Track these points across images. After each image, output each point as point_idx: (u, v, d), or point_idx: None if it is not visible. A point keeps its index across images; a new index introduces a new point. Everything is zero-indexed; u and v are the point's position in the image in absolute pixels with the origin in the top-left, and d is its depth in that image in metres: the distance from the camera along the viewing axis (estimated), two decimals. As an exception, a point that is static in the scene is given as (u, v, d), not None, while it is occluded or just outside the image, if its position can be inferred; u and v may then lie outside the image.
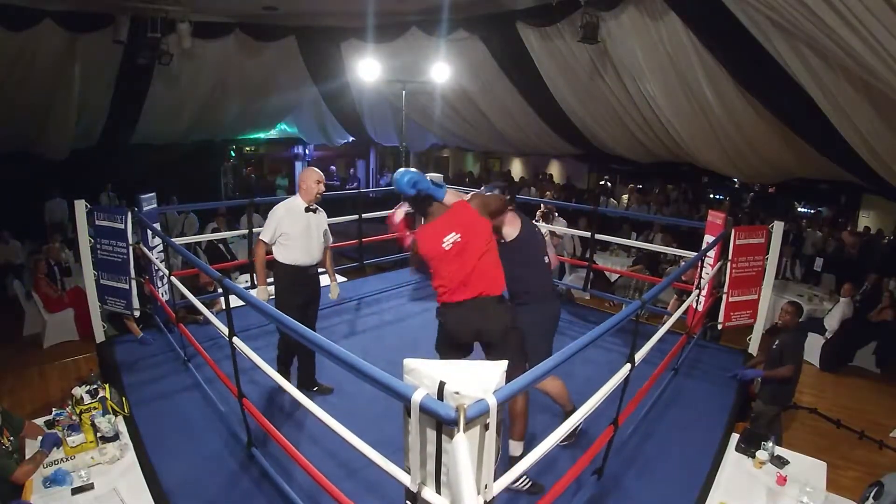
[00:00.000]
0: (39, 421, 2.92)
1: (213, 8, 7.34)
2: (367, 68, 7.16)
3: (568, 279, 7.20)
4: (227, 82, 9.27)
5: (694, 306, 3.88)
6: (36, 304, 6.09)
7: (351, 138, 13.02)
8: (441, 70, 7.22)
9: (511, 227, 2.75)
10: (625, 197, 11.45)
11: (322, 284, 3.52)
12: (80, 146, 9.22)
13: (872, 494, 2.48)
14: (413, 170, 2.51)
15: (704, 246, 4.10)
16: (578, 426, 2.63)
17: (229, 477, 2.63)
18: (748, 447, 2.89)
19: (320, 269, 3.49)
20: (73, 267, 6.93)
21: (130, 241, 3.92)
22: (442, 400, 1.44)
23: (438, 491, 1.51)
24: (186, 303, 3.55)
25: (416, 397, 1.41)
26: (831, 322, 6.02)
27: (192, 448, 2.83)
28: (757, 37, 4.92)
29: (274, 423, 2.61)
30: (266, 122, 12.56)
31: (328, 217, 3.55)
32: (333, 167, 15.78)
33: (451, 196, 2.54)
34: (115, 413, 2.92)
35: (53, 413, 2.94)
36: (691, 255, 4.66)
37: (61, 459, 2.64)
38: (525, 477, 2.50)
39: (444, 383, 1.46)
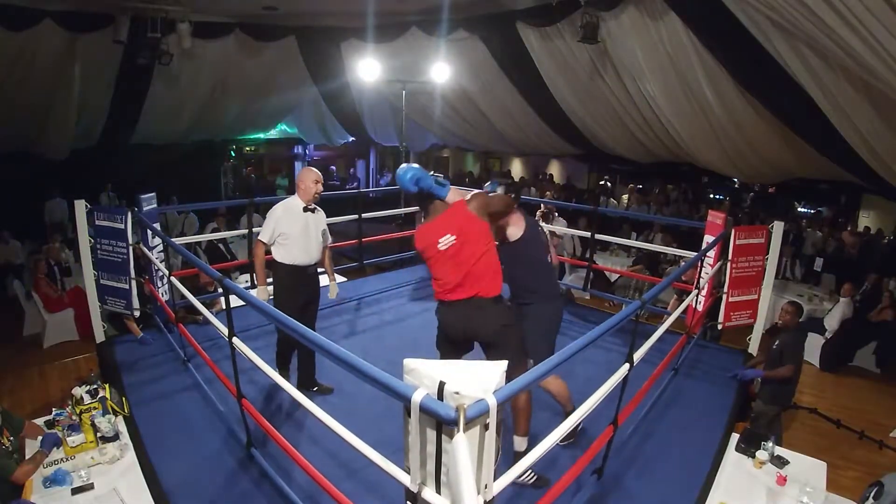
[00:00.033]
0: (39, 421, 2.92)
1: (213, 8, 7.34)
2: (367, 68, 7.16)
3: (568, 279, 7.20)
4: (227, 82, 9.28)
5: (693, 306, 3.88)
6: (36, 304, 6.09)
7: (351, 138, 13.03)
8: (441, 70, 7.22)
9: (516, 228, 2.75)
10: (625, 197, 11.44)
11: (321, 284, 3.52)
12: (80, 146, 9.22)
13: (872, 494, 2.48)
14: (416, 166, 2.52)
15: (704, 246, 4.09)
16: (579, 425, 2.64)
17: (229, 477, 2.63)
18: (748, 447, 2.89)
19: (319, 269, 3.49)
20: (73, 267, 6.93)
21: (130, 241, 3.92)
22: (442, 400, 1.44)
23: (438, 491, 1.52)
24: (186, 303, 3.55)
25: (416, 397, 1.41)
26: (831, 322, 6.02)
27: (192, 448, 2.83)
28: (757, 37, 4.92)
29: (274, 423, 2.62)
30: (266, 122, 12.56)
31: (328, 217, 3.56)
32: (333, 167, 15.79)
33: (453, 194, 2.54)
34: (115, 413, 2.92)
35: (53, 413, 2.93)
36: (691, 255, 4.66)
37: (61, 459, 2.64)
38: (530, 471, 2.50)
39: (444, 383, 1.46)
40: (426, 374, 1.52)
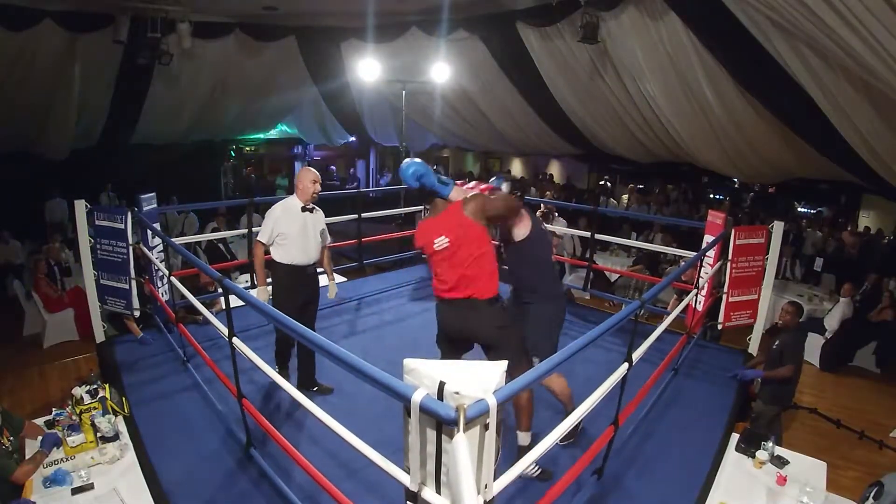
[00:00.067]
0: (39, 421, 2.92)
1: (213, 8, 7.34)
2: (367, 68, 7.16)
3: (568, 279, 7.20)
4: (227, 82, 9.28)
5: (693, 306, 3.88)
6: (36, 304, 6.08)
7: (351, 138, 13.02)
8: (441, 70, 7.22)
9: (523, 227, 2.74)
10: (625, 197, 11.45)
11: (321, 284, 3.52)
12: (80, 146, 9.22)
13: (872, 494, 2.48)
14: (419, 161, 2.51)
15: (704, 246, 4.10)
16: (579, 425, 2.64)
17: (229, 477, 2.63)
18: (748, 447, 2.89)
19: (319, 269, 3.49)
20: (73, 267, 6.92)
21: (130, 241, 3.92)
22: (442, 400, 1.44)
23: (438, 491, 1.52)
24: (186, 303, 3.55)
25: (416, 397, 1.41)
26: (831, 322, 6.02)
27: (192, 448, 2.83)
28: (757, 37, 4.92)
29: (274, 423, 2.61)
30: (266, 122, 12.56)
31: (327, 217, 3.56)
32: (333, 167, 15.79)
33: (457, 193, 2.53)
34: (115, 413, 2.92)
35: (53, 413, 2.93)
36: (691, 255, 4.65)
37: (61, 459, 2.64)
38: (534, 465, 2.51)
39: (444, 383, 1.46)
40: (426, 374, 1.52)
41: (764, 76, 5.31)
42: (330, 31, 8.40)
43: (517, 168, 14.47)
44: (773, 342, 3.83)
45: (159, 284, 4.25)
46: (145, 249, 4.06)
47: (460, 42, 7.62)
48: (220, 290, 2.54)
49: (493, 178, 2.85)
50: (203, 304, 3.17)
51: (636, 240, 7.90)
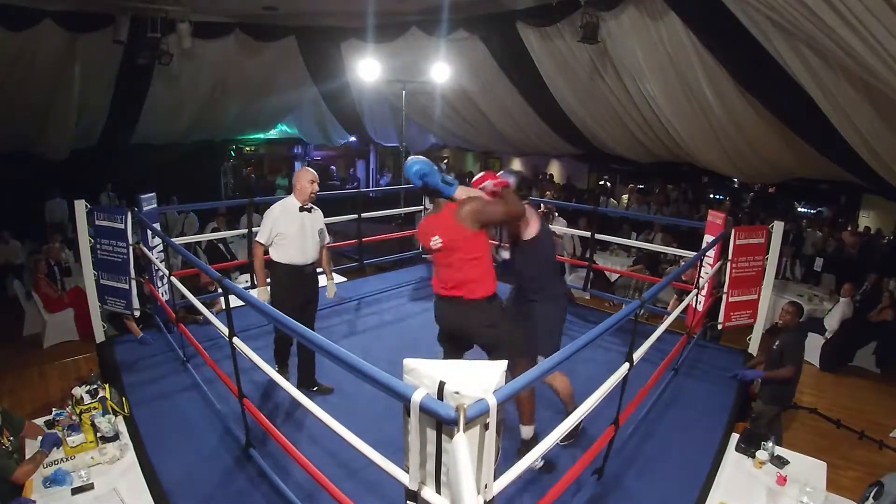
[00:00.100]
0: (39, 421, 2.92)
1: (213, 8, 7.34)
2: (367, 68, 7.16)
3: (568, 279, 7.19)
4: (227, 82, 9.28)
5: (693, 306, 3.87)
6: (36, 304, 6.08)
7: (351, 138, 13.02)
8: (441, 70, 7.22)
9: (531, 227, 2.74)
10: (625, 197, 11.44)
11: (320, 284, 3.52)
12: (80, 146, 9.23)
13: (872, 494, 2.48)
14: (423, 159, 2.50)
15: (704, 246, 4.10)
16: (579, 425, 2.64)
17: (229, 477, 2.63)
18: (748, 447, 2.89)
19: (318, 269, 3.49)
20: (73, 267, 6.92)
21: (130, 241, 3.92)
22: (442, 400, 1.44)
23: (438, 491, 1.52)
24: (186, 303, 3.55)
25: (416, 397, 1.41)
26: (831, 322, 6.02)
27: (192, 448, 2.83)
28: (757, 37, 4.92)
29: (274, 422, 2.62)
30: (266, 122, 12.57)
31: (327, 217, 3.56)
32: (333, 167, 15.79)
33: (462, 192, 2.53)
34: (115, 413, 2.92)
35: (53, 413, 2.93)
36: (691, 255, 4.65)
37: (61, 459, 2.64)
38: (538, 457, 2.52)
39: (444, 383, 1.46)
40: (426, 374, 1.52)
41: (764, 76, 5.32)
42: (330, 31, 8.40)
43: (517, 168, 14.46)
44: (774, 342, 3.83)
45: (159, 284, 4.25)
46: (145, 249, 4.06)
47: (460, 42, 7.62)
48: (220, 290, 2.54)
49: (501, 172, 2.84)
50: (203, 303, 3.17)
51: (636, 240, 7.90)
